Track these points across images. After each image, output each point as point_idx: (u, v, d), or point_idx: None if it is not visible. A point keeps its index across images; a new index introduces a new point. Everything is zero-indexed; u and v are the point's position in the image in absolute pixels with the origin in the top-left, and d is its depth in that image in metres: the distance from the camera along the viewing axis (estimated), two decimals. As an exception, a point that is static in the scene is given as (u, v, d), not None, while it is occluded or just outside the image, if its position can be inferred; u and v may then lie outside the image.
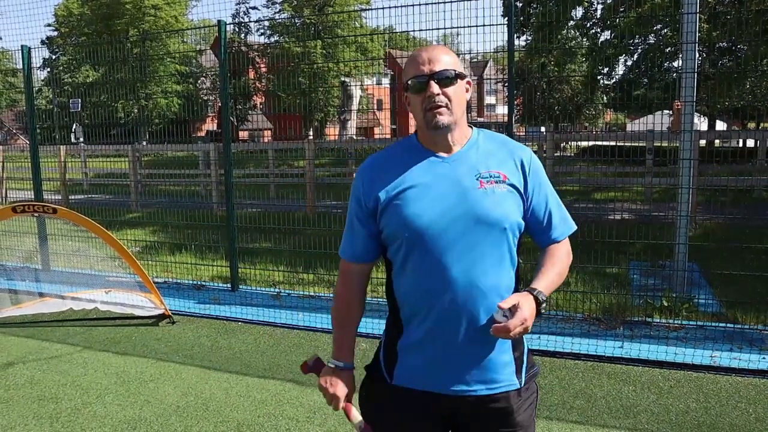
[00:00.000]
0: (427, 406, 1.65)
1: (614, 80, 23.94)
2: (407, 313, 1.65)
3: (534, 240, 1.71)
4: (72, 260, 6.85)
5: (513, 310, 1.46)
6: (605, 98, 28.57)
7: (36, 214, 5.39)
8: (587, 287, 5.70)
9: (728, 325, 4.67)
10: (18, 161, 15.50)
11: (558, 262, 1.65)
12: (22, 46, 6.60)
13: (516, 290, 1.63)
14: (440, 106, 1.58)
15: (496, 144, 1.68)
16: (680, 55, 5.49)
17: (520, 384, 1.64)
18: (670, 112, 9.83)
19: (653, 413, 3.43)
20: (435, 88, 1.57)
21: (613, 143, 10.08)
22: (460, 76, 1.61)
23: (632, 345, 4.32)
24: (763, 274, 5.09)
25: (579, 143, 18.12)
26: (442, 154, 1.63)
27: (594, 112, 33.34)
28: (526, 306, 1.47)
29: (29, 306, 5.56)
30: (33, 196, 7.12)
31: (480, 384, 1.61)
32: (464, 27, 5.32)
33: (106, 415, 3.51)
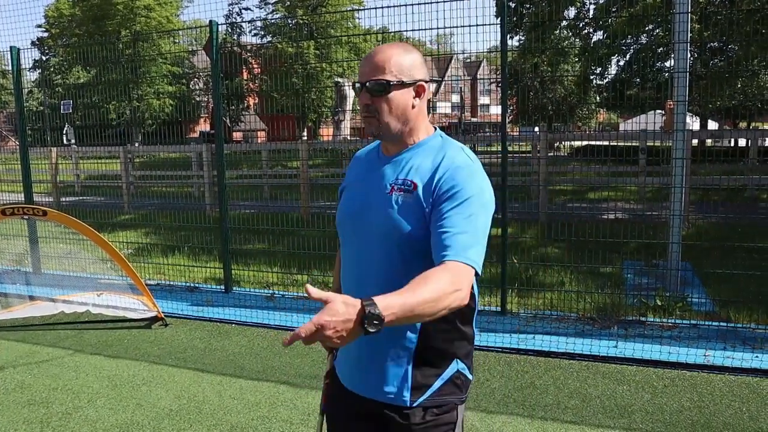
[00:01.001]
0: (351, 404, 1.66)
1: (607, 80, 24.03)
2: None
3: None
4: (63, 263, 6.79)
5: (316, 298, 1.24)
6: (598, 98, 28.68)
7: (26, 217, 5.34)
8: (581, 287, 5.71)
9: (721, 324, 4.67)
10: (8, 163, 15.39)
11: (424, 284, 1.33)
12: (11, 47, 6.55)
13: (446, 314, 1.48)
14: (367, 117, 1.58)
15: (434, 153, 1.58)
16: (672, 55, 5.50)
17: (409, 403, 1.55)
18: (663, 112, 9.87)
19: (648, 412, 3.42)
20: (364, 97, 1.57)
21: (606, 143, 10.11)
22: (398, 85, 1.54)
23: (626, 344, 4.32)
24: (756, 273, 5.11)
25: (572, 143, 18.18)
26: (385, 155, 1.65)
27: (587, 112, 33.43)
28: (334, 310, 1.21)
29: (20, 309, 5.51)
30: (23, 199, 7.06)
31: (373, 390, 1.59)
32: (457, 27, 5.30)
33: (98, 419, 3.48)
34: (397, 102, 1.55)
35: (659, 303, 5.08)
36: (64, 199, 12.37)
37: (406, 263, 1.52)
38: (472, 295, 1.58)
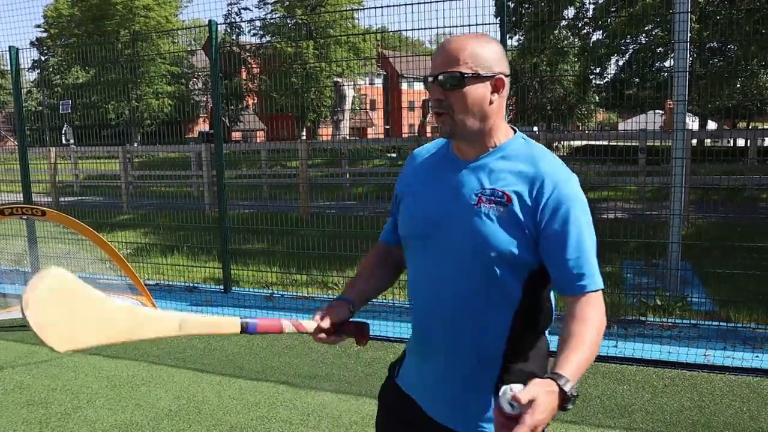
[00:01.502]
0: (415, 414, 1.55)
1: (606, 80, 24.05)
2: (412, 316, 1.59)
3: (555, 287, 1.45)
4: (62, 263, 6.78)
5: (525, 403, 1.14)
6: (597, 98, 28.71)
7: (25, 217, 5.33)
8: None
9: (721, 323, 4.67)
10: (7, 163, 15.39)
11: (587, 331, 1.31)
12: (9, 47, 6.54)
13: (520, 337, 1.43)
14: (439, 114, 1.42)
15: (522, 160, 1.42)
16: (672, 55, 5.50)
17: None
18: (662, 112, 9.87)
19: (648, 412, 3.42)
20: (435, 91, 1.41)
21: (605, 143, 10.10)
22: (474, 77, 1.38)
23: (626, 344, 4.31)
24: (756, 273, 5.10)
25: (572, 143, 18.18)
26: (461, 158, 1.48)
27: (586, 112, 33.47)
28: (544, 404, 1.15)
29: (18, 310, 5.49)
30: (22, 199, 7.05)
31: (451, 418, 1.48)
32: (455, 26, 5.30)
33: (97, 420, 3.47)
34: (473, 97, 1.39)
35: (659, 303, 5.08)
36: (62, 199, 12.35)
37: (491, 283, 1.40)
38: (551, 307, 1.51)
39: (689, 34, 5.45)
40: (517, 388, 1.16)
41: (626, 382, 3.83)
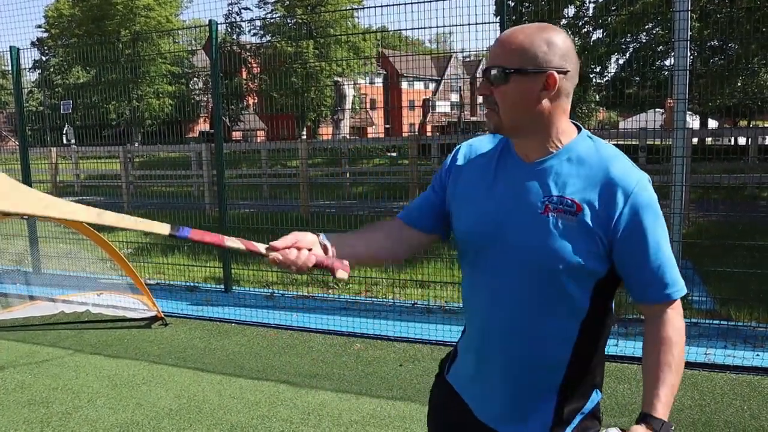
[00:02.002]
0: (462, 414, 1.53)
1: (606, 79, 24.04)
2: (465, 318, 1.56)
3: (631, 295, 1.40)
4: (63, 263, 6.79)
5: None
6: (597, 97, 28.68)
7: (26, 217, 5.33)
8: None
9: (722, 322, 4.67)
10: (8, 163, 15.40)
11: (666, 353, 1.32)
12: (10, 47, 6.55)
13: (586, 345, 1.40)
14: (488, 108, 1.36)
15: (591, 165, 1.34)
16: (672, 53, 5.50)
17: None
18: (663, 110, 9.86)
19: (648, 411, 3.42)
20: (480, 86, 1.36)
21: (606, 141, 10.09)
22: (519, 72, 1.30)
23: (627, 343, 4.30)
24: (756, 271, 5.10)
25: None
26: (523, 160, 1.39)
27: (587, 111, 33.47)
28: None
29: (20, 309, 5.50)
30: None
31: (505, 423, 1.46)
32: (455, 26, 5.30)
33: (98, 419, 3.47)
34: (517, 93, 1.31)
35: (660, 301, 5.07)
36: (64, 199, 12.36)
37: (557, 294, 1.34)
38: (611, 312, 1.46)
39: (689, 33, 5.44)
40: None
41: (627, 380, 3.83)
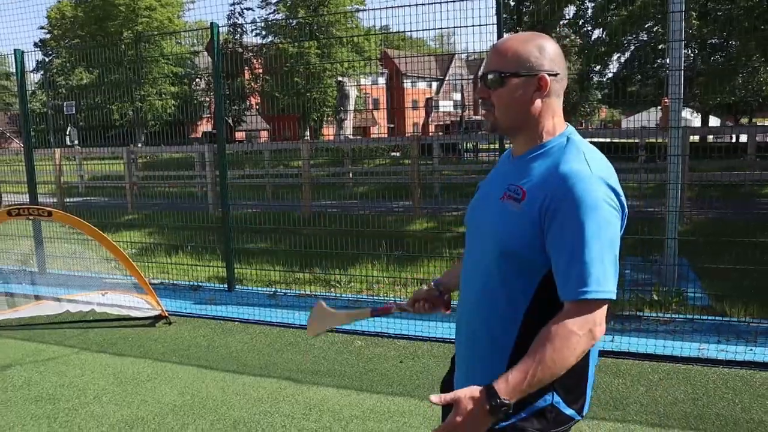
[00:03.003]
0: (449, 382, 1.71)
1: (607, 77, 24.07)
2: None
3: None
4: (68, 263, 6.88)
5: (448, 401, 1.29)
6: (599, 95, 28.74)
7: (31, 218, 5.43)
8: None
9: (717, 318, 4.75)
10: (12, 164, 15.50)
11: (546, 343, 1.30)
12: (15, 49, 6.63)
13: (532, 332, 1.37)
14: (485, 110, 1.49)
15: (552, 158, 1.42)
16: (668, 53, 5.57)
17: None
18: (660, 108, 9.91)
19: (642, 405, 3.49)
20: (479, 90, 1.49)
21: (605, 140, 10.14)
22: (513, 76, 1.42)
23: (623, 339, 4.39)
24: (750, 268, 5.16)
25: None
26: (513, 154, 1.54)
27: (588, 109, 33.51)
28: (463, 410, 1.27)
29: (25, 309, 5.59)
30: (28, 200, 7.15)
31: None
32: (457, 27, 5.37)
33: (104, 415, 3.56)
34: (512, 95, 1.43)
35: (656, 298, 5.14)
36: (68, 200, 12.47)
37: (505, 280, 1.42)
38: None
39: (689, 31, 5.52)
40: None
41: (622, 375, 3.90)
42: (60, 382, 4.07)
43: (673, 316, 4.86)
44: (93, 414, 3.58)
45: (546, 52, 1.43)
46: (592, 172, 1.36)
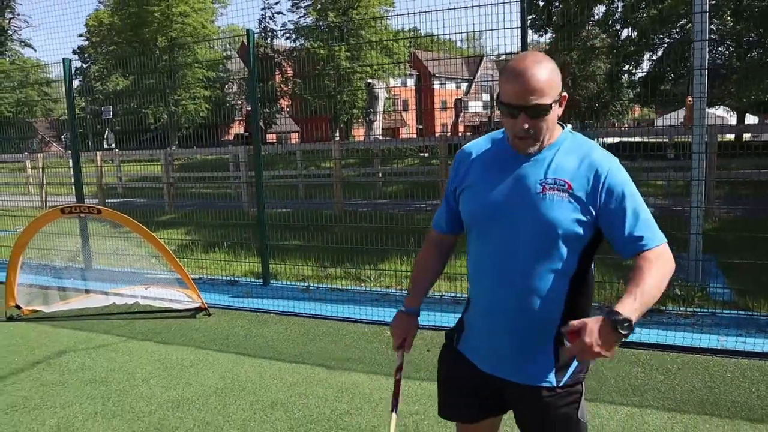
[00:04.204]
0: (477, 378, 1.85)
1: (638, 76, 23.86)
2: (472, 291, 1.88)
3: (620, 254, 1.68)
4: (112, 259, 7.24)
5: (577, 333, 1.45)
6: (631, 94, 28.44)
7: (82, 215, 5.77)
8: (605, 278, 5.89)
9: (739, 312, 4.84)
10: (54, 168, 16.11)
11: (645, 273, 1.55)
12: (63, 59, 7.01)
13: (574, 300, 1.70)
14: (525, 139, 1.65)
15: (576, 153, 1.69)
16: (692, 53, 5.66)
17: (556, 383, 1.73)
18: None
19: (660, 392, 3.64)
20: (525, 124, 1.62)
21: (635, 139, 10.18)
22: (555, 102, 1.62)
23: (644, 331, 4.52)
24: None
25: (604, 140, 18.19)
26: (520, 154, 1.71)
27: (620, 108, 33.16)
28: (591, 331, 1.43)
29: (76, 301, 5.94)
30: (75, 200, 7.53)
31: (517, 374, 1.76)
32: (479, 30, 5.55)
33: (152, 396, 3.84)
34: (552, 119, 1.65)
35: (678, 293, 5.25)
36: (108, 201, 12.95)
37: (554, 255, 1.65)
38: (591, 270, 1.76)
39: (723, 28, 5.59)
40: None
41: (641, 365, 4.04)
42: (110, 366, 4.38)
43: (696, 310, 4.97)
44: (142, 395, 3.87)
45: (558, 71, 1.63)
46: (610, 154, 1.70)
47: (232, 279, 6.83)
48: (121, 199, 14.27)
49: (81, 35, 41.53)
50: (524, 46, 5.26)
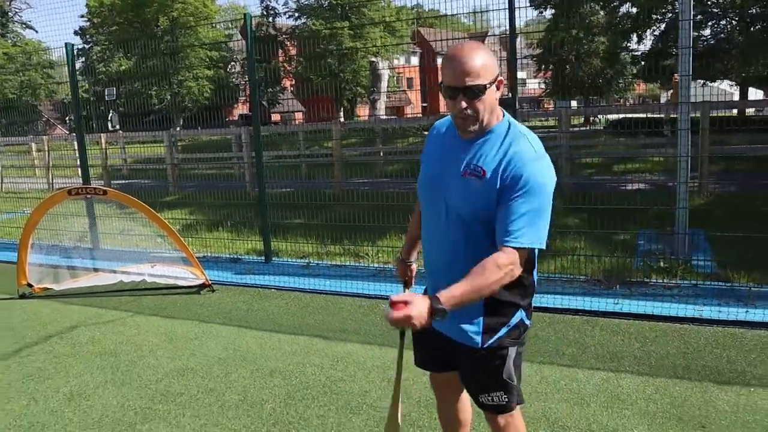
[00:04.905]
0: (434, 335, 2.08)
1: (641, 52, 23.77)
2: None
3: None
4: (119, 239, 7.47)
5: (404, 303, 1.68)
6: (634, 70, 28.33)
7: (88, 196, 5.99)
8: (594, 252, 6.10)
9: (720, 283, 5.04)
10: (59, 150, 16.32)
11: (478, 274, 1.73)
12: (66, 43, 7.15)
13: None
14: (466, 118, 1.81)
15: (501, 142, 1.84)
16: (710, 23, 5.77)
17: (481, 344, 1.96)
18: (703, 82, 10.02)
19: (636, 358, 3.85)
20: (463, 103, 1.78)
21: (631, 115, 10.32)
22: (490, 84, 1.77)
23: (627, 302, 4.73)
24: (757, 236, 5.40)
25: (607, 116, 18.27)
26: (461, 138, 1.90)
27: (623, 85, 33.00)
28: (415, 310, 1.66)
29: (85, 279, 6.19)
30: (81, 182, 7.75)
31: (451, 331, 2.01)
32: (494, 10, 5.67)
33: (158, 366, 4.09)
34: (489, 100, 1.80)
35: (662, 265, 5.45)
36: (113, 182, 13.18)
37: (469, 233, 1.87)
38: (532, 252, 1.90)
39: (716, 3, 5.69)
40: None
41: (620, 333, 4.25)
42: (119, 339, 4.63)
43: (679, 282, 5.17)
44: (149, 365, 4.11)
45: (494, 56, 1.79)
46: (534, 149, 1.83)
47: (235, 257, 7.06)
48: (126, 181, 14.50)
49: (82, 16, 41.47)
50: (512, 26, 5.40)
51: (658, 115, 11.12)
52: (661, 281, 5.22)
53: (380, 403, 3.41)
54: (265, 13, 37.85)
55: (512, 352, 2.01)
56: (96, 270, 6.38)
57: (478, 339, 1.97)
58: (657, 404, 3.26)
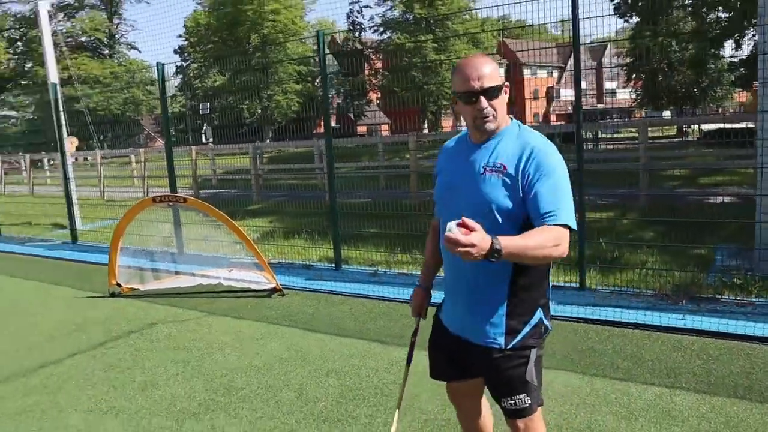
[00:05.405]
0: (453, 343, 2.17)
1: (738, 58, 22.55)
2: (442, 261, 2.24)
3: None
4: (201, 244, 7.93)
5: (468, 230, 1.66)
6: (732, 77, 26.88)
7: (170, 204, 6.43)
8: (666, 265, 5.91)
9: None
10: (157, 161, 17.39)
11: (534, 235, 1.80)
12: (157, 63, 7.72)
13: (515, 272, 1.98)
14: (486, 117, 1.95)
15: (517, 140, 1.97)
16: (764, 38, 5.54)
17: (504, 345, 2.01)
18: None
19: (694, 375, 3.73)
20: (484, 102, 1.94)
21: (730, 126, 9.87)
22: (503, 86, 1.97)
23: (694, 318, 4.57)
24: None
25: (701, 126, 17.49)
26: (473, 142, 2.04)
27: (721, 94, 31.34)
28: (480, 238, 1.65)
29: (167, 281, 6.63)
30: (169, 191, 8.29)
31: (473, 334, 2.08)
32: (533, 25, 5.68)
33: (225, 362, 4.36)
34: (504, 100, 1.98)
35: (737, 282, 5.22)
36: (202, 192, 13.92)
37: (495, 227, 1.85)
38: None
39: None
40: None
41: (682, 349, 4.13)
42: (192, 337, 4.95)
43: (753, 299, 4.94)
44: (217, 361, 4.39)
45: (499, 67, 1.95)
46: (545, 140, 1.98)
47: (308, 264, 7.33)
48: (215, 190, 15.27)
49: (180, 36, 43.98)
50: (576, 37, 5.38)
51: (752, 125, 10.57)
52: (733, 298, 5.01)
53: (428, 406, 3.51)
54: (351, 28, 38.73)
55: (533, 354, 2.06)
56: (177, 273, 6.82)
57: (501, 340, 2.02)
58: (710, 423, 3.17)
